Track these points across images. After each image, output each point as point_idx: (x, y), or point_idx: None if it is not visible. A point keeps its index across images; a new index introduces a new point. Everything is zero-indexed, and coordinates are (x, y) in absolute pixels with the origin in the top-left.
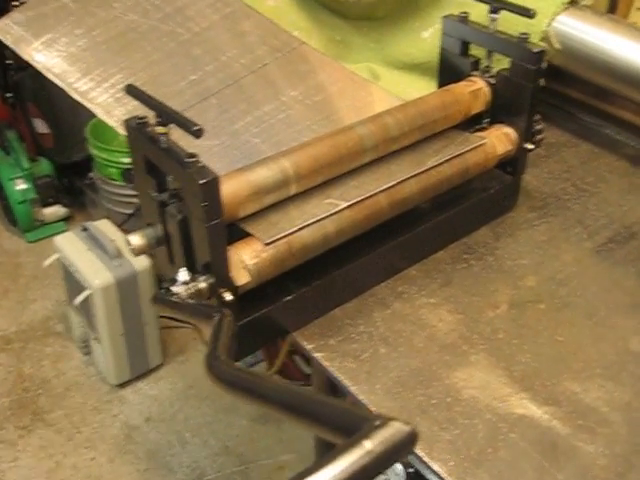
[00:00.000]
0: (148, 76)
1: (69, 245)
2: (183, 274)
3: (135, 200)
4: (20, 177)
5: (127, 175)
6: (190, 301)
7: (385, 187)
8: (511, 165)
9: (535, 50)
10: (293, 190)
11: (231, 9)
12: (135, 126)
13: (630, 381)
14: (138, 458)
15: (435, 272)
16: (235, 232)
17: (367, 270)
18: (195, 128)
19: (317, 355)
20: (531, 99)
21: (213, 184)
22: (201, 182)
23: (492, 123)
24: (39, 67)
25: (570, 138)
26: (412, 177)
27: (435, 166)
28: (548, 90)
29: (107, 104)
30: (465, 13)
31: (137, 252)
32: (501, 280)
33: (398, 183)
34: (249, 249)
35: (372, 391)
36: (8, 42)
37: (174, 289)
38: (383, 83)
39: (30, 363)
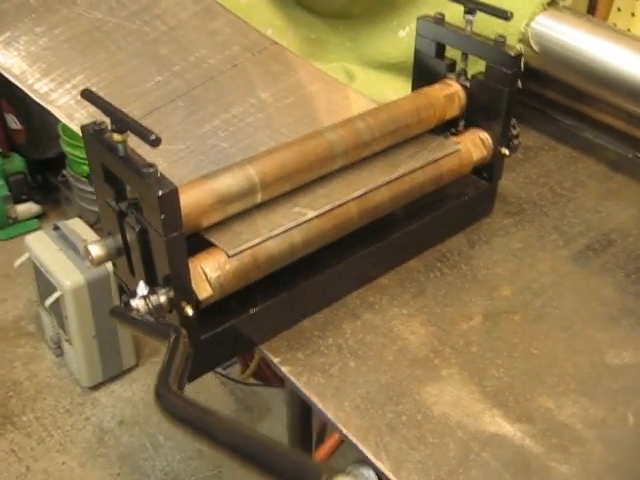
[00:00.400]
0: (112, 77)
1: (40, 245)
2: (142, 288)
3: None
4: None
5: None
6: (147, 318)
7: (355, 195)
8: (487, 171)
9: (512, 54)
10: (259, 198)
11: (200, 7)
12: (92, 132)
13: (605, 397)
14: (110, 462)
15: (408, 281)
16: (198, 242)
17: (337, 280)
18: (152, 137)
19: (284, 369)
20: (507, 103)
21: (172, 196)
22: (159, 194)
23: (467, 127)
24: None
25: (548, 141)
26: (384, 185)
27: (408, 173)
28: (525, 91)
29: (68, 106)
30: (441, 14)
31: (96, 263)
32: (475, 290)
33: (369, 191)
34: (212, 261)
35: (340, 408)
36: None
37: (133, 303)
38: (358, 83)
39: (1, 364)
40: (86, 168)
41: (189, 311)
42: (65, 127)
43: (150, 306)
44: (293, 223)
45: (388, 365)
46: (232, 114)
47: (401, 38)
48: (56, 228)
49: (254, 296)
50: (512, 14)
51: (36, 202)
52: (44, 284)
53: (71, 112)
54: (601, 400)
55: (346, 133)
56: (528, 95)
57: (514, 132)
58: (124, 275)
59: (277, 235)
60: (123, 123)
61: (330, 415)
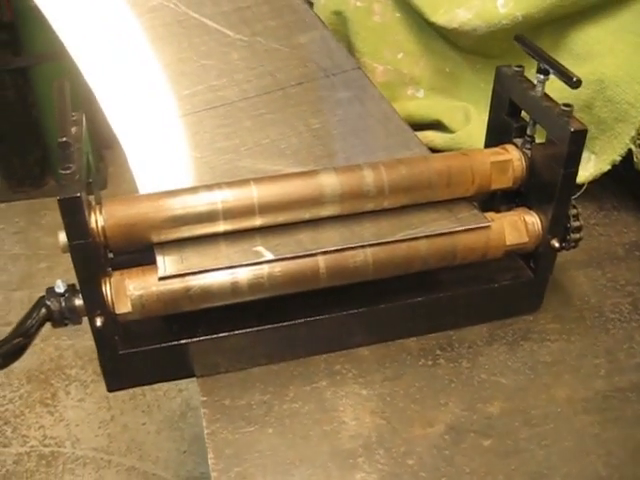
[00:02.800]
0: (171, 73)
1: None
2: (59, 286)
3: None
4: None
5: None
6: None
7: (326, 249)
8: (535, 261)
9: (572, 128)
10: (221, 228)
11: (295, 17)
12: None
13: None
14: (183, 439)
15: (390, 361)
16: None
17: (304, 336)
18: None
19: (203, 410)
20: (561, 187)
21: (74, 203)
22: (60, 197)
23: (520, 205)
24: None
25: None
26: (368, 246)
27: (405, 240)
28: None
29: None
30: (520, 66)
31: (63, 250)
32: (459, 395)
33: (346, 248)
34: (140, 279)
35: (227, 472)
36: None
37: (49, 300)
38: (472, 127)
39: None
40: None
41: (98, 322)
42: None
43: (64, 305)
44: (243, 262)
45: (305, 446)
46: (266, 134)
47: None
48: None
49: (197, 326)
50: (579, 81)
51: None
52: None
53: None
54: None
55: (346, 179)
56: None
57: (574, 224)
58: None
59: (218, 270)
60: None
61: (214, 475)
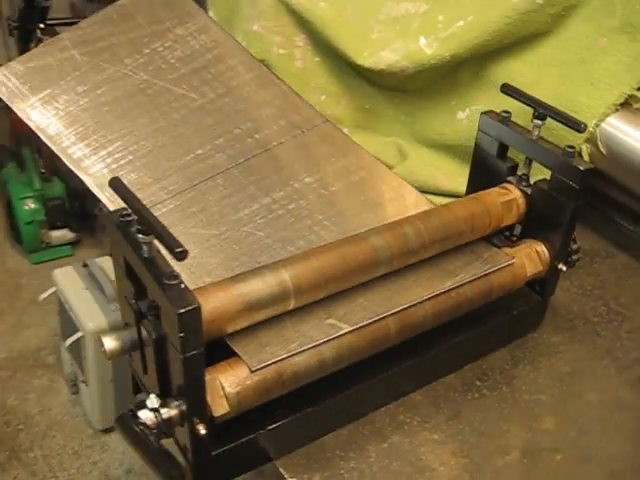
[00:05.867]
0: (151, 145)
1: (67, 281)
2: (153, 400)
3: None
4: (30, 197)
5: None
6: (153, 442)
7: (395, 310)
8: (540, 285)
9: (582, 168)
10: (291, 306)
11: (253, 74)
12: (118, 224)
13: None
14: None
15: (443, 400)
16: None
17: (366, 395)
18: (178, 249)
19: None
20: (570, 218)
21: (193, 314)
22: (179, 312)
23: (522, 236)
24: (32, 126)
25: (605, 246)
26: (428, 299)
27: (455, 287)
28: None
29: (101, 175)
30: (507, 112)
31: (110, 356)
32: (515, 418)
33: (411, 306)
34: (232, 375)
35: None
36: (3, 96)
37: (141, 415)
38: (410, 162)
39: (15, 394)
40: None
41: (201, 430)
42: None
43: (159, 419)
44: (324, 338)
45: None
46: (272, 198)
47: (459, 120)
48: (85, 265)
49: (275, 410)
50: (585, 126)
51: (71, 229)
52: (67, 321)
53: (103, 182)
54: None
55: (392, 239)
56: (589, 193)
57: (574, 247)
58: (138, 370)
59: (306, 350)
60: (149, 226)
61: None
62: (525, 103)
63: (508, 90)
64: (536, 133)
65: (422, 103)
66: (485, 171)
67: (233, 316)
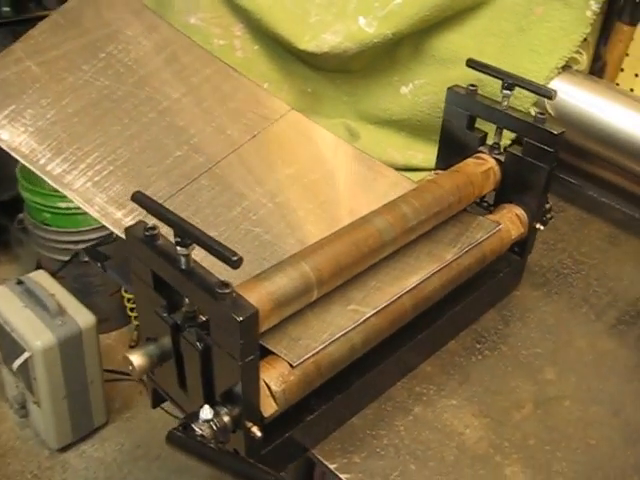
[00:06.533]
0: (129, 153)
1: (3, 301)
2: (207, 411)
3: (72, 246)
4: None
5: (94, 253)
6: (224, 451)
7: (409, 288)
8: (519, 246)
9: (555, 132)
10: (314, 297)
11: (211, 70)
12: (143, 238)
13: None
14: None
15: (451, 367)
16: None
17: (385, 374)
18: (234, 258)
19: (344, 477)
20: (546, 180)
21: (252, 320)
22: (240, 319)
23: (497, 202)
24: (4, 147)
25: (556, 201)
26: (435, 273)
27: (456, 258)
28: None
29: (86, 190)
30: (474, 86)
31: (139, 374)
32: (519, 374)
33: (422, 281)
34: (275, 373)
35: None
36: None
37: (197, 428)
38: (363, 142)
39: None
40: (47, 215)
41: (257, 432)
42: (24, 170)
43: (215, 429)
44: (353, 324)
45: (450, 466)
46: (260, 193)
47: (403, 95)
48: (19, 282)
49: (308, 401)
50: (556, 93)
51: None
52: (8, 343)
53: (90, 197)
54: None
55: (394, 219)
56: None
57: (547, 206)
58: (167, 385)
59: (338, 338)
60: (192, 237)
61: None
62: (492, 75)
63: (474, 64)
64: (505, 103)
65: (364, 82)
66: (455, 144)
67: (266, 315)
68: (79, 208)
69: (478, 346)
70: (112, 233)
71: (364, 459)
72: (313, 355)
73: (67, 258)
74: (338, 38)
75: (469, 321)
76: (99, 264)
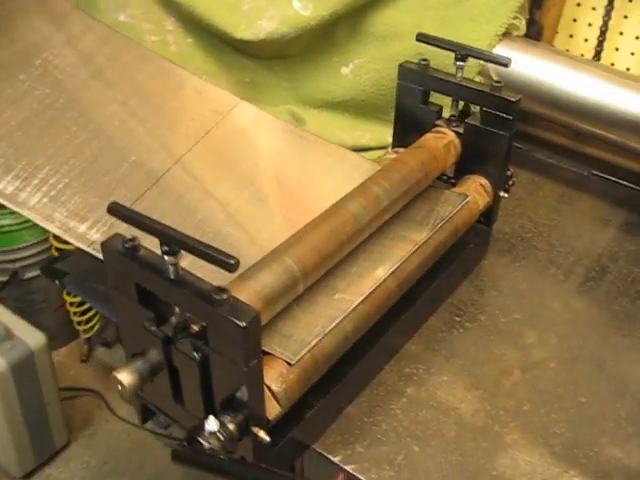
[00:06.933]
0: (82, 162)
1: None
2: (213, 423)
3: (10, 266)
4: None
5: (50, 271)
6: (237, 460)
7: (392, 270)
8: (485, 215)
9: (513, 99)
10: (301, 290)
11: (153, 67)
12: (124, 251)
13: None
14: None
15: (435, 343)
16: None
17: (374, 358)
18: (230, 261)
19: (349, 468)
20: (507, 148)
21: (255, 323)
22: (243, 324)
23: (459, 175)
24: None
25: None
26: (414, 253)
27: (432, 235)
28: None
29: (43, 206)
30: (425, 60)
31: (130, 392)
32: (502, 341)
33: (402, 263)
34: (273, 373)
35: None
36: None
37: (206, 442)
38: (309, 127)
39: None
40: None
41: (265, 437)
42: None
43: (223, 439)
44: (343, 313)
45: (452, 442)
46: (223, 192)
47: (344, 75)
48: None
49: (306, 397)
50: (510, 60)
51: None
52: None
53: (49, 213)
54: None
55: (367, 202)
56: None
57: (508, 173)
58: (158, 399)
59: (331, 330)
60: (181, 245)
61: None
62: (445, 48)
63: (424, 38)
64: (460, 75)
65: (303, 66)
66: (411, 120)
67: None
68: (13, 225)
69: (458, 319)
70: (50, 248)
71: (367, 447)
72: (309, 350)
73: (6, 278)
74: (274, 24)
75: (445, 296)
76: (57, 281)
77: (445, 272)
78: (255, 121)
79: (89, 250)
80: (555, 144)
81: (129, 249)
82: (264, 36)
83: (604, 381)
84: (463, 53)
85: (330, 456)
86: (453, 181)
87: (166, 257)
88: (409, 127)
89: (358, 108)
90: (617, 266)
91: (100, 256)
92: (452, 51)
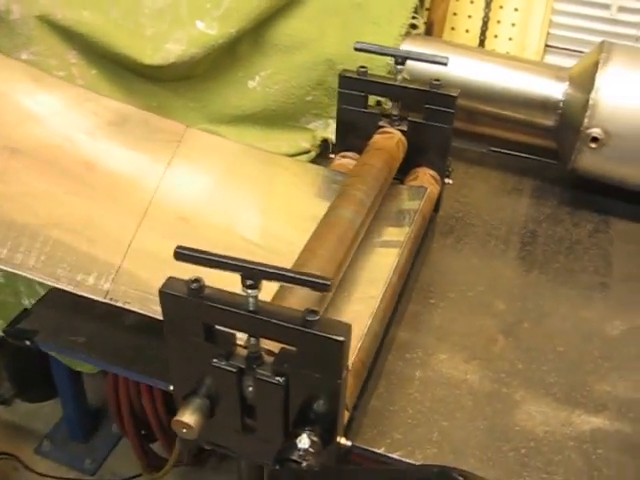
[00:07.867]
0: (80, 220)
1: None
2: (305, 441)
3: None
4: None
5: (16, 333)
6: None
7: (395, 266)
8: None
9: (454, 94)
10: (329, 299)
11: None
12: (189, 292)
13: (633, 364)
14: None
15: (421, 326)
16: None
17: (383, 351)
18: (323, 282)
19: (395, 456)
20: (449, 139)
21: (349, 335)
22: (342, 339)
23: (406, 170)
24: None
25: None
26: (405, 246)
27: (414, 229)
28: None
29: (43, 265)
30: (364, 67)
31: (197, 432)
32: (477, 312)
33: (400, 258)
34: None
35: (466, 465)
36: None
37: (303, 460)
38: (252, 141)
39: None
40: None
41: (347, 442)
42: None
43: (316, 456)
44: (369, 314)
45: (472, 410)
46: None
47: (252, 88)
48: None
49: None
50: (448, 59)
51: None
52: None
53: (51, 270)
54: (631, 368)
55: (356, 207)
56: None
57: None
58: (219, 436)
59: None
60: (264, 275)
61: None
62: (383, 54)
63: (362, 47)
64: (399, 77)
65: (208, 85)
66: (354, 125)
67: None
68: None
69: (432, 301)
70: None
71: (403, 433)
72: (356, 353)
73: None
74: (182, 46)
75: (413, 283)
76: (28, 342)
77: (414, 261)
78: (207, 145)
79: (106, 301)
80: (455, 128)
81: (194, 290)
82: (174, 59)
83: (571, 329)
84: (402, 57)
85: (374, 449)
86: (399, 176)
87: (249, 291)
88: (352, 132)
89: (269, 119)
90: (543, 228)
91: (119, 305)
92: (392, 56)
